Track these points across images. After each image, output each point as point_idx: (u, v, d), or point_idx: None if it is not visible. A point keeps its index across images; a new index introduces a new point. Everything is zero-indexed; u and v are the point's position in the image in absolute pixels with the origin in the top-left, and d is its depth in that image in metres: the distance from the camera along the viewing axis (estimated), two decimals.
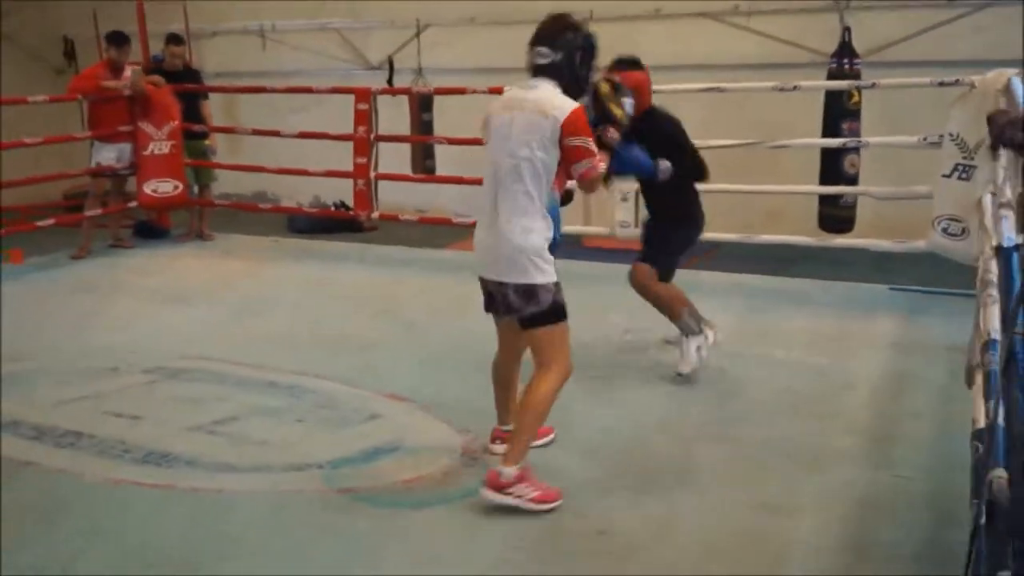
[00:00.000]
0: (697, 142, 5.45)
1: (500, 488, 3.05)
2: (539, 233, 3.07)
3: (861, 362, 4.64)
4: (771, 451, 3.60)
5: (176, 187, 7.67)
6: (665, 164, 3.98)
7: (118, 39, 7.39)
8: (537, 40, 3.16)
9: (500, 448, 3.35)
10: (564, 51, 3.12)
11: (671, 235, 4.30)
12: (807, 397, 4.17)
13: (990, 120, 2.77)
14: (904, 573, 2.70)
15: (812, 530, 2.98)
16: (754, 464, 3.50)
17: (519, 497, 3.05)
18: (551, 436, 3.60)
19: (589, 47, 3.20)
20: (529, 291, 3.08)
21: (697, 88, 6.25)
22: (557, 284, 3.11)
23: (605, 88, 3.45)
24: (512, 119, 3.11)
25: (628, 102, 3.58)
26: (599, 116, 3.44)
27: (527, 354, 3.37)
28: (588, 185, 3.25)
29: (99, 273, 6.88)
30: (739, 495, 3.23)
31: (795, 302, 5.76)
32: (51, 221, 7.38)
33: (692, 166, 4.18)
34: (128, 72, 7.31)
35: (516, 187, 3.07)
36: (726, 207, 6.81)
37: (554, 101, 3.07)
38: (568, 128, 3.03)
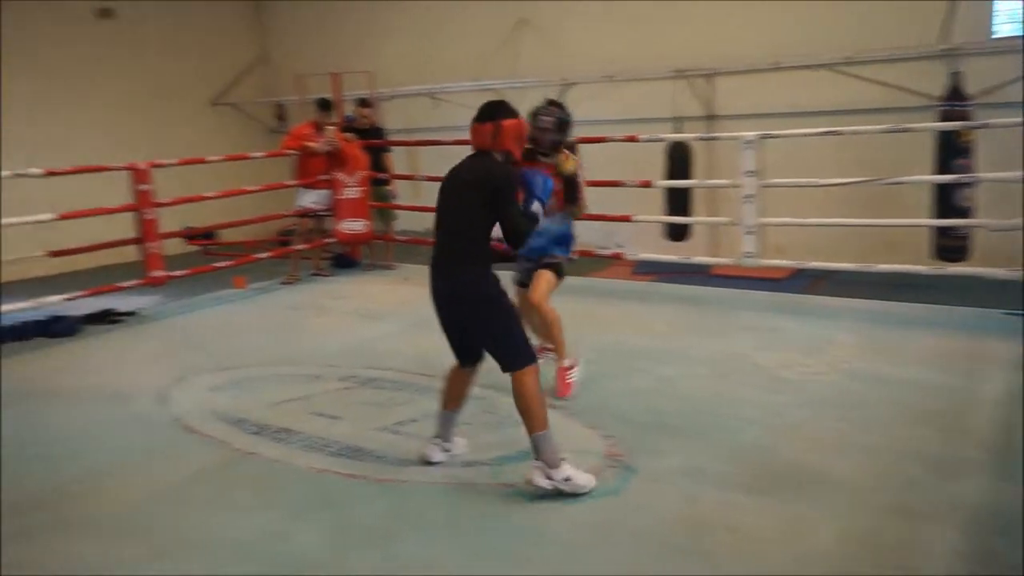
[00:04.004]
0: (819, 180, 5.03)
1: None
2: None
3: (978, 380, 4.31)
4: (898, 459, 3.39)
5: (365, 225, 8.03)
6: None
7: (324, 105, 7.81)
8: None
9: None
10: None
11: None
12: (929, 410, 3.90)
13: None
14: None
15: (938, 535, 2.79)
16: (881, 470, 3.30)
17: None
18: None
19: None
20: None
21: (814, 132, 6.01)
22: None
23: None
24: None
25: None
26: None
27: None
28: None
29: (304, 296, 7.24)
30: (868, 498, 3.07)
31: (910, 325, 5.40)
32: (267, 254, 7.87)
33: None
34: (327, 132, 7.72)
35: None
36: (842, 238, 6.53)
37: None
38: None
